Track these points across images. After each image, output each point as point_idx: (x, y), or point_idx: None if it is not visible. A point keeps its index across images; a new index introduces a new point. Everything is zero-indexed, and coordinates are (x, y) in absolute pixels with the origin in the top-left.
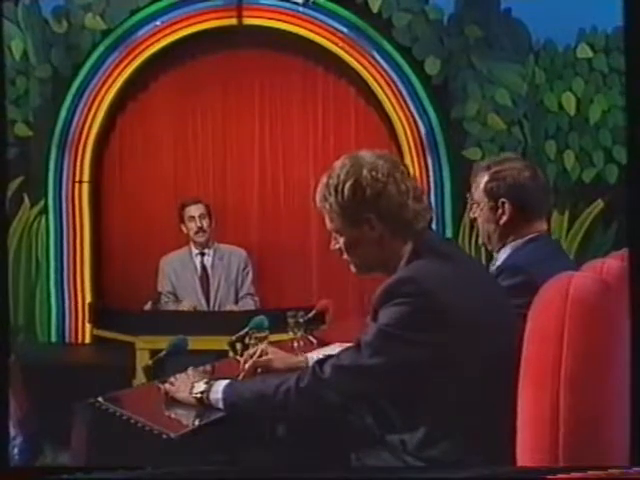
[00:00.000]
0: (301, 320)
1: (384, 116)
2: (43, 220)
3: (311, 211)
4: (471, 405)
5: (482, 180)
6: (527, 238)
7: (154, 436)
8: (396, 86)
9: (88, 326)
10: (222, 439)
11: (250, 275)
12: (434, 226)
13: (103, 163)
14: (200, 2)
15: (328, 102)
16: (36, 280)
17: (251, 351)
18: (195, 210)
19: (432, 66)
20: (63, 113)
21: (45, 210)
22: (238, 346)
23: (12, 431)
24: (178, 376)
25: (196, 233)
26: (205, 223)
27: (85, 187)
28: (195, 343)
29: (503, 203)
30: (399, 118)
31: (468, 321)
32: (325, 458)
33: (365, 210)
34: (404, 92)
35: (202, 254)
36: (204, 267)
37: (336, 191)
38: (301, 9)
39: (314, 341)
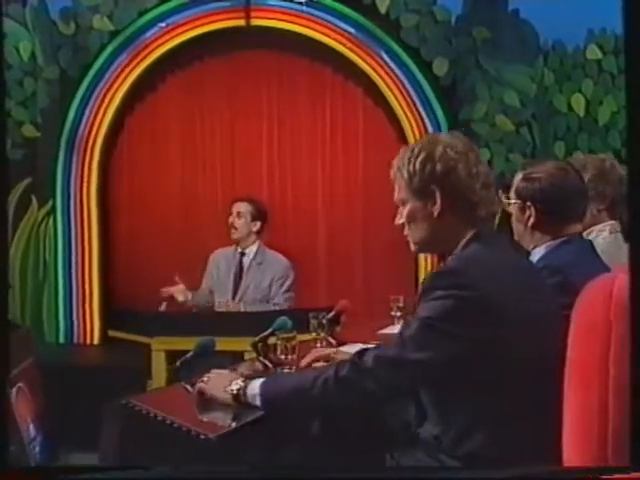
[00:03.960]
0: (324, 321)
1: (392, 117)
2: (51, 221)
3: (319, 211)
4: (511, 401)
5: (516, 179)
6: (561, 240)
7: (192, 437)
8: (404, 87)
9: (97, 327)
10: (258, 439)
11: (286, 285)
12: None
13: (111, 164)
14: (208, 3)
15: (336, 103)
16: (44, 281)
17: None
18: (236, 207)
19: (440, 67)
20: (71, 114)
21: (53, 211)
22: (261, 347)
23: (32, 431)
24: (212, 374)
25: (229, 228)
26: (239, 221)
27: (93, 188)
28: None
29: (529, 206)
30: (407, 119)
31: (513, 316)
32: (359, 457)
33: (432, 183)
34: (412, 93)
35: (242, 254)
36: (241, 267)
37: (409, 161)
38: (305, 8)
39: (333, 342)
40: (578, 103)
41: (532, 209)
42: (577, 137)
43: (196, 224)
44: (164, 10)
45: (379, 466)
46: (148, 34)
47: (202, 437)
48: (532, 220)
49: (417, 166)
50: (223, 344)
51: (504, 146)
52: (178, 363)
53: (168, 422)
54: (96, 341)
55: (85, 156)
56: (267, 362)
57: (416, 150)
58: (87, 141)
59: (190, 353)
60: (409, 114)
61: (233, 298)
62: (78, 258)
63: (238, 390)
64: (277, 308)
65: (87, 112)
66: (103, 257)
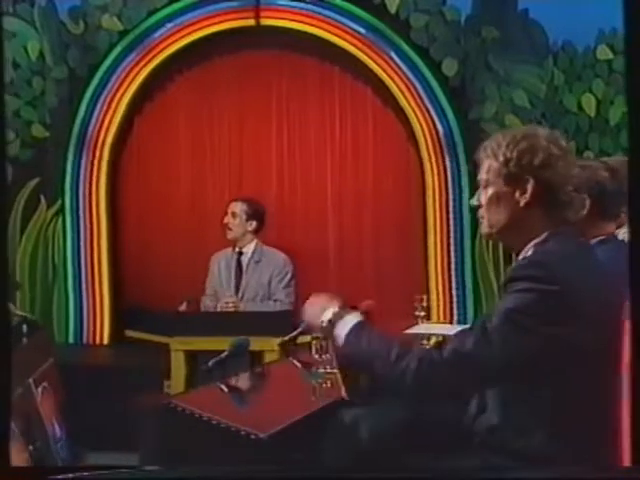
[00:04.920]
0: None
1: (402, 116)
2: (60, 221)
3: (328, 211)
4: (574, 400)
5: None
6: (598, 239)
7: (242, 437)
8: (414, 87)
9: (106, 327)
10: (308, 438)
11: (285, 280)
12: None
13: (120, 164)
14: (217, 3)
15: (345, 102)
16: (53, 281)
17: None
18: (231, 207)
19: (449, 67)
20: (80, 114)
21: (62, 211)
22: (290, 347)
23: (57, 431)
24: (312, 299)
25: (225, 229)
26: (233, 221)
27: (102, 188)
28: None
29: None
30: (417, 119)
31: (588, 315)
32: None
33: (527, 173)
34: (422, 93)
35: (240, 253)
36: (240, 266)
37: (507, 146)
38: (310, 6)
39: None
40: (589, 103)
41: (587, 201)
42: (588, 137)
43: (205, 223)
44: (173, 10)
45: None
46: (157, 34)
47: (252, 437)
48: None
49: (516, 153)
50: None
51: None
52: (211, 363)
53: (214, 422)
54: (106, 341)
55: (94, 156)
56: (296, 362)
57: (518, 137)
58: (96, 141)
59: (224, 353)
60: (419, 114)
61: (236, 297)
62: (87, 258)
63: (330, 321)
64: (278, 304)
65: (96, 112)
66: (112, 257)
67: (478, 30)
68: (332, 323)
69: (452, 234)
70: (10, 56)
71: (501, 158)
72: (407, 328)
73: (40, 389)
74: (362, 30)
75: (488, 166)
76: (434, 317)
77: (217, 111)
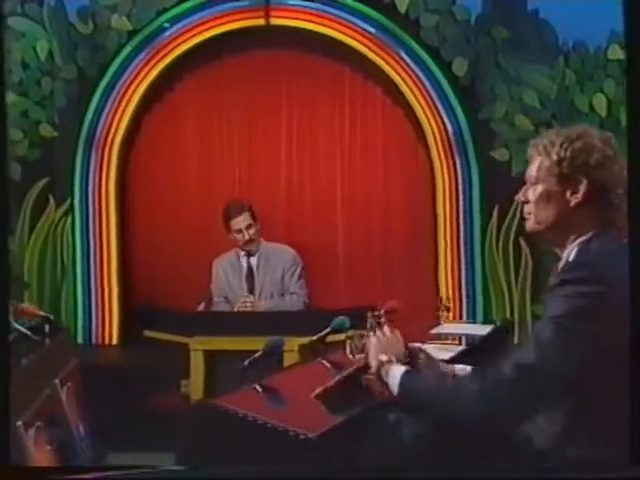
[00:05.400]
0: (382, 320)
1: (412, 116)
2: (68, 221)
3: (337, 211)
4: (620, 407)
5: None
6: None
7: (289, 436)
8: (424, 86)
9: (115, 327)
10: (352, 439)
11: (297, 274)
12: (462, 223)
13: (129, 163)
14: (227, 3)
15: (355, 102)
16: (62, 281)
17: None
18: (242, 222)
19: (460, 67)
20: (89, 114)
21: (71, 210)
22: (319, 347)
23: (82, 431)
24: (379, 335)
25: (245, 244)
26: (253, 232)
27: (111, 187)
28: (249, 344)
29: None
30: (427, 118)
31: (630, 319)
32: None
33: (581, 173)
34: (432, 92)
35: (249, 255)
36: (250, 267)
37: (561, 145)
38: (320, 6)
39: None
40: (600, 103)
41: None
42: None
43: (214, 223)
44: (183, 9)
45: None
46: (167, 34)
47: (302, 437)
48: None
49: (570, 152)
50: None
51: (523, 146)
52: (246, 363)
53: (260, 422)
54: (115, 341)
55: (103, 155)
56: (325, 362)
57: (573, 136)
58: (105, 140)
59: (258, 353)
60: (429, 114)
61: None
62: (96, 258)
63: (382, 364)
64: (295, 297)
65: (105, 111)
66: (122, 256)
67: (488, 30)
68: (385, 367)
69: (462, 234)
70: (19, 56)
71: (554, 157)
72: (431, 328)
73: (65, 389)
74: (372, 30)
75: (539, 164)
76: (443, 317)
77: (226, 111)
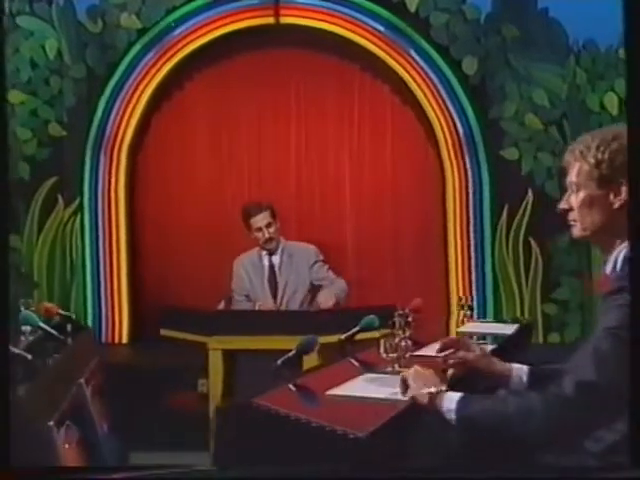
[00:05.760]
0: (410, 319)
1: (421, 115)
2: (77, 220)
3: (347, 210)
4: None
5: None
6: None
7: (338, 436)
8: (434, 85)
9: (125, 326)
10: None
11: (324, 266)
12: (472, 221)
13: (139, 162)
14: (236, 1)
15: (364, 100)
16: (71, 280)
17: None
18: (261, 220)
19: (470, 65)
20: (99, 113)
21: (80, 210)
22: (348, 346)
23: (105, 431)
24: (417, 369)
25: (265, 242)
26: (273, 230)
27: (121, 186)
28: (268, 343)
29: None
30: (437, 117)
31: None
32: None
33: (621, 174)
34: (442, 91)
35: (270, 254)
36: (272, 266)
37: (598, 148)
38: (329, 4)
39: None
40: (611, 102)
41: None
42: None
43: (223, 222)
44: (192, 8)
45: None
46: (176, 32)
47: (351, 436)
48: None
49: (608, 154)
50: (273, 343)
51: (533, 145)
52: (279, 362)
53: (304, 421)
54: (125, 340)
55: (113, 154)
56: (354, 361)
57: (609, 138)
58: (115, 139)
59: (292, 352)
60: (438, 112)
61: (274, 297)
62: (106, 257)
63: (434, 394)
64: (332, 288)
65: (114, 110)
66: (131, 256)
67: (498, 29)
68: (438, 397)
69: (472, 233)
70: (28, 55)
71: (592, 160)
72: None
73: (90, 389)
74: (382, 28)
75: (578, 169)
76: (453, 316)
77: (236, 110)
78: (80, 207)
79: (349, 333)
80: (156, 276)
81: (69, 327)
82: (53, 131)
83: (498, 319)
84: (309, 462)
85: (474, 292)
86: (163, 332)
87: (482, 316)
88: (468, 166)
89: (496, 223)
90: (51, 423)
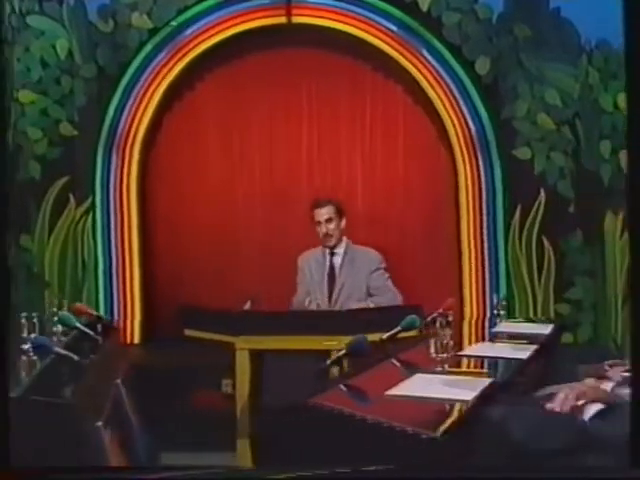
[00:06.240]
0: (450, 319)
1: (433, 115)
2: (89, 220)
3: (359, 209)
4: None
5: None
6: None
7: (410, 436)
8: (447, 85)
9: (137, 326)
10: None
11: (384, 275)
12: (485, 221)
13: (150, 162)
14: (248, 1)
15: (376, 100)
16: (83, 280)
17: None
18: (322, 214)
19: (482, 65)
20: (110, 112)
21: (93, 209)
22: (389, 346)
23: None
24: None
25: (323, 237)
26: (332, 227)
27: (133, 186)
28: (296, 342)
29: None
30: (450, 117)
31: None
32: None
33: None
34: (455, 91)
35: (332, 254)
36: (332, 266)
37: None
38: (341, 4)
39: (450, 342)
40: (624, 102)
41: None
42: (623, 136)
43: (235, 221)
44: (204, 7)
45: None
46: (188, 32)
47: (424, 436)
48: None
49: None
50: (299, 343)
51: (545, 145)
52: (328, 362)
53: (369, 421)
54: (137, 340)
55: (124, 154)
56: (395, 361)
57: None
58: (126, 139)
59: (342, 352)
60: (451, 112)
61: (329, 298)
62: (118, 256)
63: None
64: (391, 295)
65: (126, 110)
66: (143, 255)
67: (510, 28)
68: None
69: (485, 232)
70: (38, 54)
71: None
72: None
73: (125, 389)
74: (394, 28)
75: None
76: (467, 315)
77: (247, 109)
78: (92, 206)
79: (390, 333)
80: (168, 275)
81: (99, 328)
82: (64, 130)
83: (510, 318)
84: (376, 461)
85: (487, 291)
86: (187, 332)
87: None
88: (481, 166)
89: (509, 223)
90: (99, 424)
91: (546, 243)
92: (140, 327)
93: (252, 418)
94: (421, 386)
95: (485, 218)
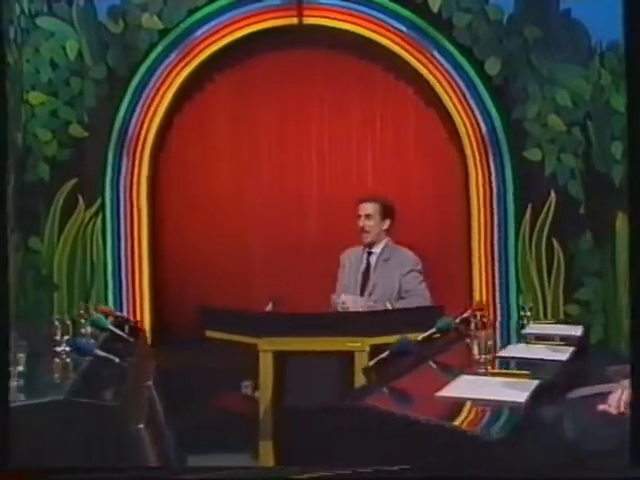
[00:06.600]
0: (485, 320)
1: (444, 116)
2: (98, 222)
3: None
4: None
5: None
6: None
7: (466, 437)
8: (458, 86)
9: (147, 327)
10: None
11: (418, 276)
12: (495, 222)
13: (161, 163)
14: (259, 2)
15: (387, 102)
16: (92, 282)
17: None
18: (364, 209)
19: (493, 66)
20: (121, 114)
21: (102, 211)
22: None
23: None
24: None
25: (360, 232)
26: (370, 224)
27: (143, 187)
28: (320, 344)
29: None
30: (460, 118)
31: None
32: None
33: None
34: (466, 92)
35: (370, 252)
36: (368, 265)
37: None
38: (352, 5)
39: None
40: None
41: None
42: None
43: (246, 223)
44: (214, 8)
45: None
46: (198, 33)
47: (485, 439)
48: None
49: None
50: (327, 344)
51: (556, 146)
52: (371, 363)
53: (423, 422)
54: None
55: (135, 155)
56: (432, 363)
57: None
58: (137, 141)
59: (386, 352)
60: (462, 113)
61: (361, 296)
62: (127, 258)
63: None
64: (421, 298)
65: (136, 111)
66: (153, 257)
67: (520, 30)
68: None
69: (496, 234)
70: (48, 56)
71: None
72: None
73: (156, 391)
74: (404, 29)
75: None
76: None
77: (258, 111)
78: (101, 208)
79: (426, 334)
80: (178, 277)
81: (127, 329)
82: (74, 132)
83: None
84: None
85: (497, 292)
86: (208, 334)
87: (506, 317)
88: (492, 167)
89: (519, 224)
90: (141, 426)
91: (556, 244)
92: (149, 329)
93: (275, 419)
94: (470, 388)
95: (496, 219)
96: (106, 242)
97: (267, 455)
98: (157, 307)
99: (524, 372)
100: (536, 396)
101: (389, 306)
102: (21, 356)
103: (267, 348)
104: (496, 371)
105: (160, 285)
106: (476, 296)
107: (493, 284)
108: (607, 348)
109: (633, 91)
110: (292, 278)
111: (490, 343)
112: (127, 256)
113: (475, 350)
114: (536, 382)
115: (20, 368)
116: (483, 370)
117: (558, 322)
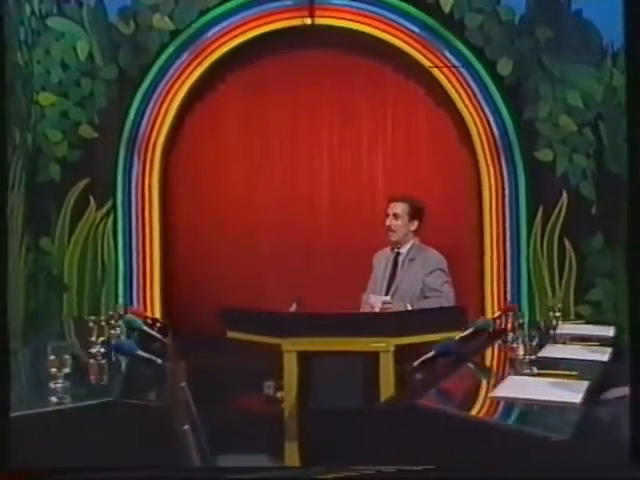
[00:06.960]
0: (522, 321)
1: (456, 116)
2: (109, 222)
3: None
4: None
5: None
6: None
7: (534, 439)
8: (469, 86)
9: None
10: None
11: (442, 276)
12: (507, 223)
13: (172, 163)
14: (271, 2)
15: (399, 102)
16: (102, 283)
17: None
18: (393, 208)
19: (504, 67)
20: (132, 114)
21: (114, 211)
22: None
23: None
24: None
25: (387, 231)
26: (397, 223)
27: (155, 187)
28: (344, 344)
29: None
30: (472, 118)
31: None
32: None
33: None
34: (477, 92)
35: (398, 253)
36: (395, 264)
37: None
38: (364, 5)
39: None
40: None
41: None
42: None
43: (257, 223)
44: (226, 9)
45: None
46: (210, 33)
47: (553, 440)
48: None
49: None
50: (351, 344)
51: (567, 146)
52: (416, 364)
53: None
54: None
55: (146, 156)
56: (471, 365)
57: None
58: (148, 141)
59: (430, 353)
60: (473, 113)
61: (386, 295)
62: (139, 258)
63: None
64: (444, 299)
65: (147, 112)
66: (164, 256)
67: (532, 30)
68: None
69: (507, 233)
70: (58, 57)
71: None
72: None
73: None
74: (416, 29)
75: None
76: (488, 316)
77: (270, 111)
78: (113, 208)
79: (464, 334)
80: (189, 278)
81: (156, 328)
82: (84, 133)
83: (532, 320)
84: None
85: (508, 292)
86: (230, 334)
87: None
88: (503, 167)
89: (531, 224)
90: (187, 427)
91: (567, 244)
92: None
93: (300, 420)
94: (522, 388)
95: (508, 219)
96: (117, 242)
97: (292, 456)
98: (168, 308)
99: (572, 373)
100: (589, 397)
101: (409, 307)
102: (67, 358)
103: (291, 348)
104: (543, 372)
105: (171, 285)
106: (487, 296)
107: (505, 284)
108: None
109: (633, 91)
110: (303, 278)
111: (535, 344)
112: (138, 257)
113: (521, 350)
114: (585, 383)
115: (67, 370)
116: (528, 370)
117: (587, 322)
